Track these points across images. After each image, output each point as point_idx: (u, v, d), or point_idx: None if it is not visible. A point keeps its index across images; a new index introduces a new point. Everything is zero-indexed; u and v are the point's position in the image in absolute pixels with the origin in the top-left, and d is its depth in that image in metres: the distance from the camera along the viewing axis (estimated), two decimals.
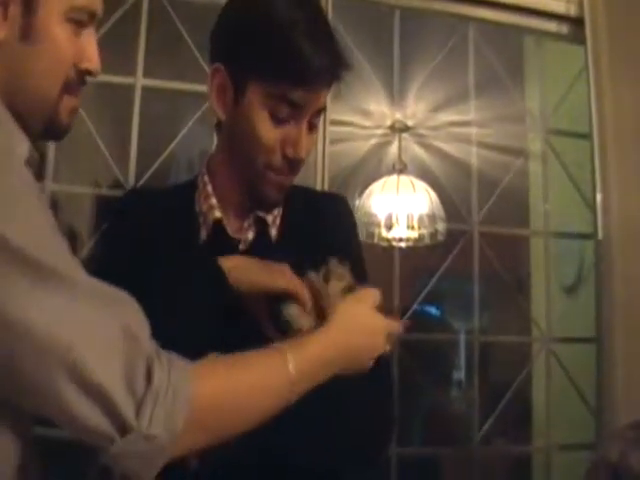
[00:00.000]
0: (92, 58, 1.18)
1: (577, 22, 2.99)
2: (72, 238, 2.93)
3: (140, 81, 2.51)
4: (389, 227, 3.96)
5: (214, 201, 1.50)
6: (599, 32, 2.93)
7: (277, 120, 1.41)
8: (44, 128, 1.17)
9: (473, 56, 3.05)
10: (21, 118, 1.11)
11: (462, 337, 4.57)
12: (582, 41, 2.97)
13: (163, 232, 1.47)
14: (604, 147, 2.90)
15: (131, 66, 2.50)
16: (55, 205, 2.53)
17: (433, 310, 4.90)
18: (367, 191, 4.07)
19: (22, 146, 1.10)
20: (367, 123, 3.95)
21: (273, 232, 1.52)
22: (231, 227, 1.50)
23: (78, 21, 1.14)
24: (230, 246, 1.48)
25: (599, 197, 2.88)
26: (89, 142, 2.47)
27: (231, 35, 1.45)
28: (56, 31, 1.11)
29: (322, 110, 1.47)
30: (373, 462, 1.58)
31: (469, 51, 3.04)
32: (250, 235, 1.51)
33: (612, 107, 2.92)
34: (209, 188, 1.51)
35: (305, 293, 1.34)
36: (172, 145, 2.60)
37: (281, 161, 1.44)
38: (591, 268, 3.04)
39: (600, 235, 2.87)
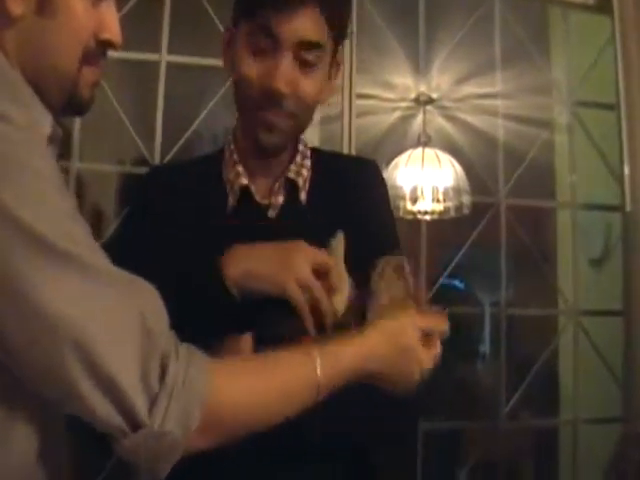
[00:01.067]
0: (112, 29, 1.16)
1: None
2: (98, 216, 2.95)
3: (165, 58, 2.51)
4: (414, 200, 3.95)
5: (240, 168, 1.50)
6: (626, 2, 2.90)
7: (257, 54, 1.40)
8: (65, 103, 1.15)
9: (499, 27, 3.02)
10: (42, 93, 1.10)
11: (489, 310, 4.56)
12: (609, 11, 2.94)
13: (190, 202, 1.48)
14: (631, 118, 2.87)
15: (156, 43, 2.50)
16: (81, 183, 2.54)
17: (460, 283, 4.89)
18: (392, 164, 4.06)
19: (45, 122, 1.10)
20: (392, 96, 3.93)
21: (303, 196, 1.51)
22: (260, 193, 1.49)
23: None
24: (259, 212, 1.48)
25: (626, 169, 2.86)
26: (114, 120, 2.48)
27: None
28: (74, 3, 1.10)
29: (311, 44, 1.42)
30: (402, 438, 1.58)
31: (495, 22, 3.01)
32: (280, 199, 1.49)
33: (639, 78, 2.88)
34: (235, 156, 1.51)
35: (302, 301, 1.31)
36: (197, 121, 2.60)
37: (262, 94, 1.40)
38: (618, 240, 3.03)
39: (627, 207, 2.85)
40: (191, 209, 1.47)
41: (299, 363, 1.14)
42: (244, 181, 1.48)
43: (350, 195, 1.52)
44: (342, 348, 1.19)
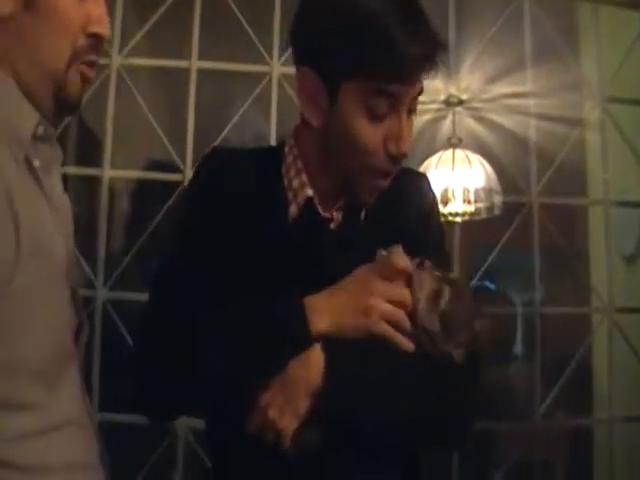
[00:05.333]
0: (100, 21, 1.17)
1: None
2: (130, 222, 2.97)
3: (195, 64, 2.53)
4: (445, 202, 3.93)
5: (305, 178, 1.41)
6: None
7: (376, 117, 1.31)
8: (55, 102, 1.16)
9: (529, 25, 3.01)
10: (31, 93, 1.12)
11: (522, 310, 4.54)
12: (639, 6, 2.92)
13: (248, 201, 1.40)
14: None
15: (186, 49, 2.52)
16: (113, 191, 2.57)
17: (491, 284, 4.87)
18: (422, 166, 4.04)
19: (29, 121, 1.11)
20: (422, 98, 3.92)
21: (363, 214, 1.44)
22: (322, 205, 1.42)
23: None
24: (321, 225, 1.42)
25: None
26: (146, 127, 2.50)
27: (316, 34, 1.34)
28: None
29: (419, 94, 1.36)
30: (456, 442, 1.55)
31: (524, 20, 3.01)
32: (341, 215, 1.43)
33: None
34: (299, 163, 1.43)
35: (392, 332, 1.28)
36: (229, 126, 2.62)
37: (384, 160, 1.34)
38: None
39: None
40: (250, 209, 1.40)
41: None
42: (309, 192, 1.40)
43: (403, 211, 1.47)
44: None
